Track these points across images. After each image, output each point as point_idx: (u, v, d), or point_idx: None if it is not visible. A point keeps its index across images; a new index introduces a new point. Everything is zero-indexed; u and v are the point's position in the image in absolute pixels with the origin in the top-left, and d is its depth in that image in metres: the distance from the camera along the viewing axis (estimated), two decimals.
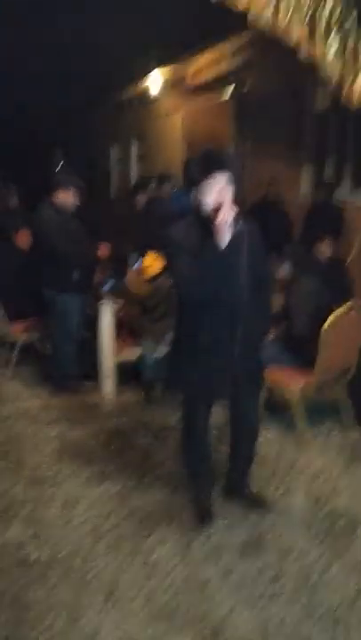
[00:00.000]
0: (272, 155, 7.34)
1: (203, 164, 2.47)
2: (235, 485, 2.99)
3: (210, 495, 2.93)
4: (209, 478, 2.95)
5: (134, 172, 11.91)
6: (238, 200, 2.53)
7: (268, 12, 4.14)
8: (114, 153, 13.21)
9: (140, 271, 4.40)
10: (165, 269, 3.96)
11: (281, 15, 4.19)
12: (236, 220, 2.41)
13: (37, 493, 3.08)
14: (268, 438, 3.68)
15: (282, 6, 4.16)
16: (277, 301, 4.20)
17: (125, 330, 4.50)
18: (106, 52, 7.62)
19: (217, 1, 3.93)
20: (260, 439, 3.52)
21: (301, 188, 7.04)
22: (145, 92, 10.59)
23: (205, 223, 2.43)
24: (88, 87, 9.95)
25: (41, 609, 2.32)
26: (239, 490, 2.98)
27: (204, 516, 2.83)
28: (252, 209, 6.66)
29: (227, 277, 2.42)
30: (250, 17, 4.11)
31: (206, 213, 2.44)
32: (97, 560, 2.59)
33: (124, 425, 3.89)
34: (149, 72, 9.69)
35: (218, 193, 2.40)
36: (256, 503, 2.94)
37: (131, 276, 4.66)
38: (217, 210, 2.36)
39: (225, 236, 2.36)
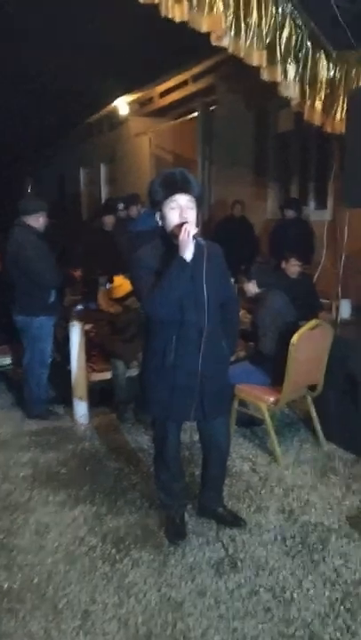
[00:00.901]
0: (238, 174, 7.50)
1: (165, 184, 2.51)
2: (208, 503, 2.99)
3: (183, 514, 2.93)
4: (182, 497, 2.94)
5: (104, 195, 11.99)
6: (201, 220, 2.59)
7: (230, 36, 4.31)
8: (83, 176, 13.29)
9: (110, 292, 4.42)
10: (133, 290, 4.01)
11: (242, 39, 4.37)
12: (198, 238, 2.45)
13: (9, 521, 3.03)
14: (241, 454, 3.71)
15: (242, 31, 4.33)
16: (246, 319, 4.28)
17: (97, 351, 4.50)
18: (75, 76, 7.70)
19: (182, 22, 4.08)
20: (233, 455, 3.58)
21: (268, 207, 7.19)
22: (113, 115, 10.73)
23: (170, 243, 2.48)
24: (57, 111, 10.01)
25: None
26: (212, 508, 2.98)
27: (177, 536, 2.82)
28: (219, 226, 6.77)
29: (191, 292, 2.46)
30: (212, 39, 4.26)
31: (170, 233, 2.48)
32: (70, 586, 2.55)
33: (96, 448, 3.87)
34: (118, 95, 9.82)
35: (181, 213, 2.45)
36: (230, 520, 2.94)
37: (101, 297, 4.68)
38: (180, 227, 2.40)
39: (189, 250, 2.40)
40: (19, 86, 8.07)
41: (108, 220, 6.36)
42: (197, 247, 2.42)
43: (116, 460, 3.69)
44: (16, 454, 3.77)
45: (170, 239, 2.48)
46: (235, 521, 2.94)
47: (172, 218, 2.46)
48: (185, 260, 2.39)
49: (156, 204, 2.51)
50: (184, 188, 2.47)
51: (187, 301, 2.46)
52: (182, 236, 2.38)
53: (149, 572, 2.62)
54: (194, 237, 2.39)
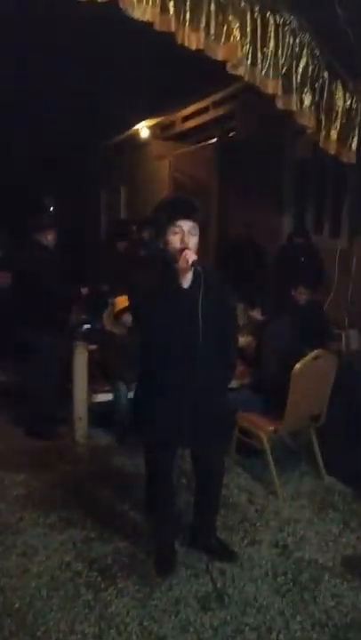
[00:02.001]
0: (254, 201, 7.50)
1: (169, 210, 2.51)
2: (200, 534, 2.91)
3: (173, 544, 2.85)
4: (172, 526, 2.87)
5: (124, 217, 12.09)
6: (210, 246, 2.57)
7: (246, 65, 4.33)
8: (103, 198, 13.43)
9: (112, 310, 4.43)
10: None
11: (258, 68, 4.39)
12: (198, 265, 2.43)
13: None
14: (239, 484, 3.63)
15: (259, 60, 4.36)
16: (251, 344, 4.23)
17: (99, 371, 4.48)
18: (97, 100, 7.84)
19: (197, 50, 4.13)
20: (231, 485, 3.51)
21: (283, 234, 7.16)
22: (134, 139, 10.87)
23: (170, 267, 2.46)
24: (79, 134, 10.19)
25: None
26: (204, 539, 2.90)
27: (165, 567, 2.74)
28: (225, 250, 6.78)
29: (187, 319, 2.43)
30: (228, 67, 4.29)
31: (171, 257, 2.47)
32: (51, 613, 2.49)
33: (93, 470, 3.81)
34: (140, 119, 9.97)
35: (182, 238, 2.44)
36: (221, 553, 2.86)
37: (106, 317, 4.68)
38: (181, 252, 2.39)
39: (187, 278, 2.39)
40: (41, 109, 8.24)
41: (121, 244, 6.43)
42: (195, 274, 2.40)
43: (111, 484, 3.62)
44: (11, 473, 3.72)
45: (171, 264, 2.47)
46: (226, 554, 2.86)
47: (174, 243, 2.45)
48: (182, 287, 2.38)
49: (160, 229, 2.52)
50: (188, 213, 2.47)
51: (182, 327, 2.43)
52: (181, 262, 2.37)
53: (133, 603, 2.55)
54: (193, 265, 2.37)
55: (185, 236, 2.44)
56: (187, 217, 2.45)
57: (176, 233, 2.45)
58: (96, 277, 5.63)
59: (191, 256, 2.37)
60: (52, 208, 15.87)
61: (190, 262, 2.37)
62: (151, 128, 10.27)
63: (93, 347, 4.55)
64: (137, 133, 10.56)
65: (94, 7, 4.23)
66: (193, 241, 2.46)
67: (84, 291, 4.49)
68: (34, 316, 4.20)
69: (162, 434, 2.58)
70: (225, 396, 2.81)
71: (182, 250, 2.40)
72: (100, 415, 4.38)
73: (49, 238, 4.23)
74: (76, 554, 2.89)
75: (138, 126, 10.33)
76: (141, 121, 10.04)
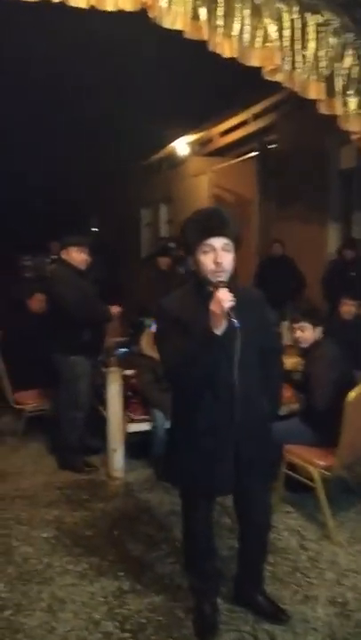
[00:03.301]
0: (297, 213, 7.19)
1: (200, 226, 2.19)
2: (244, 589, 2.57)
3: (215, 602, 2.51)
4: (213, 582, 2.53)
5: (164, 235, 11.94)
6: (239, 266, 2.26)
7: (284, 69, 4.04)
8: (144, 216, 13.34)
9: (150, 332, 4.17)
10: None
11: (297, 72, 4.10)
12: (237, 289, 2.10)
13: (21, 593, 2.71)
14: (289, 525, 3.27)
15: (298, 63, 4.06)
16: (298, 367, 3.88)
17: (137, 399, 4.21)
18: (136, 117, 7.74)
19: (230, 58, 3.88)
20: (280, 527, 3.17)
21: (328, 247, 6.80)
22: (173, 155, 10.75)
23: (202, 291, 2.16)
24: (118, 153, 10.15)
25: None
26: (250, 595, 2.55)
27: (205, 630, 2.40)
28: (260, 268, 6.63)
29: (220, 364, 2.12)
30: (265, 74, 4.02)
31: (204, 280, 2.17)
32: None
33: (128, 508, 3.52)
34: (177, 136, 9.84)
35: (215, 258, 2.13)
36: (269, 613, 2.49)
37: (145, 340, 4.41)
38: (215, 287, 2.05)
39: (221, 322, 2.02)
40: (83, 128, 8.22)
41: (163, 261, 6.23)
42: (235, 303, 2.00)
43: (147, 524, 3.33)
44: (41, 511, 3.49)
45: (203, 286, 2.17)
46: (275, 614, 2.49)
47: (206, 263, 2.14)
48: (215, 333, 2.02)
49: (189, 247, 2.21)
50: (220, 230, 2.13)
51: (214, 370, 2.12)
52: (214, 306, 2.00)
53: None
54: (228, 314, 1.99)
55: (218, 256, 2.13)
56: (218, 233, 2.13)
57: (207, 252, 2.13)
58: (139, 297, 5.43)
59: (227, 301, 1.98)
60: (94, 229, 15.95)
61: (226, 309, 1.99)
62: (190, 144, 10.13)
63: (130, 372, 4.30)
64: (175, 150, 10.45)
65: (125, 22, 4.03)
66: (227, 259, 2.13)
67: (116, 310, 4.22)
68: (61, 339, 3.99)
69: (199, 481, 2.26)
70: (270, 433, 2.46)
71: (217, 285, 2.05)
72: (137, 445, 4.11)
73: (75, 257, 4.01)
74: (106, 610, 2.59)
75: (175, 143, 10.21)
76: (179, 138, 9.91)
